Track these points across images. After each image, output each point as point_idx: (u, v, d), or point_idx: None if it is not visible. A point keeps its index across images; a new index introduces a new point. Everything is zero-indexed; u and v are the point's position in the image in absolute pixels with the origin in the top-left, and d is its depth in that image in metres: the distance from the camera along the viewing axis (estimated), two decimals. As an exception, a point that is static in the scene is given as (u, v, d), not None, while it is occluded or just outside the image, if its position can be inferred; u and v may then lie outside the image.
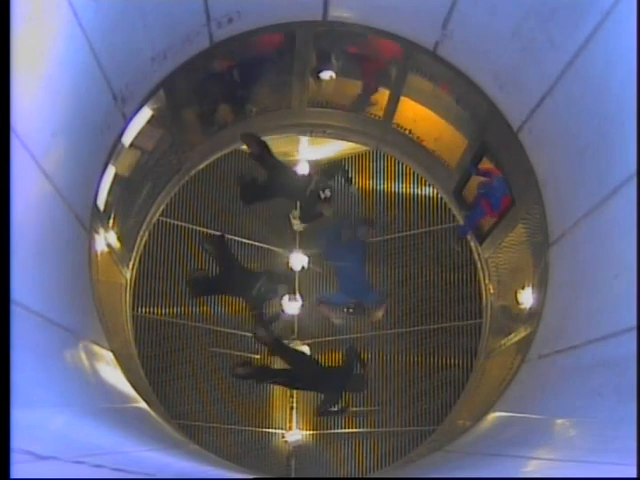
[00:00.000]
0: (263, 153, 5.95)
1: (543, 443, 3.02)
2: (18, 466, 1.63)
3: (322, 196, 5.93)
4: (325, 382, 5.96)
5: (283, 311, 6.54)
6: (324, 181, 6.03)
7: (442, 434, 6.01)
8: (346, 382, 5.93)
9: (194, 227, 6.91)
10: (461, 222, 6.56)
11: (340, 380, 5.94)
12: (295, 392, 7.09)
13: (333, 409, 6.09)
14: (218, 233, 6.35)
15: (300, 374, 5.93)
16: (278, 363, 6.37)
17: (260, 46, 5.49)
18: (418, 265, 7.06)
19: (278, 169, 6.07)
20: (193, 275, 6.38)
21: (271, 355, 6.21)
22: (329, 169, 6.54)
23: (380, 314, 6.65)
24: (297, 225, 7.14)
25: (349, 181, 6.22)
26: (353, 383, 5.98)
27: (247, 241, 7.19)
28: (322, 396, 6.03)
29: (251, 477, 4.53)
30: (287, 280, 6.26)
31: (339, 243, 6.35)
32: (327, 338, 7.14)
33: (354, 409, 6.88)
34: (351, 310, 6.14)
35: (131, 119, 4.35)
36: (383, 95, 6.11)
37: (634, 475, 1.78)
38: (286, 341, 6.36)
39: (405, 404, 6.84)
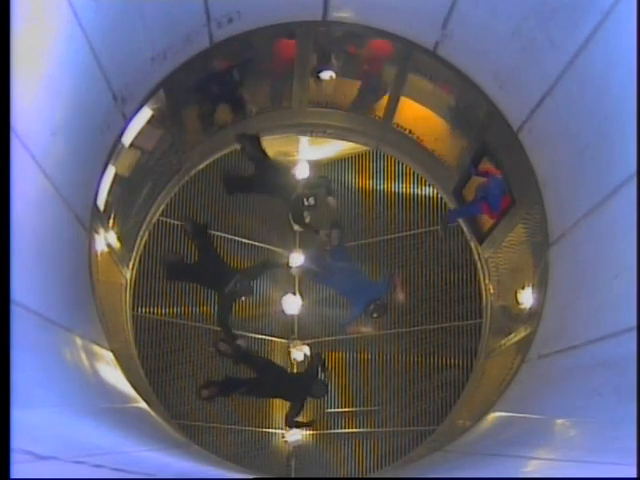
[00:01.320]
0: (256, 151, 5.94)
1: (543, 443, 3.02)
2: (18, 466, 1.63)
3: (305, 203, 5.91)
4: (290, 387, 5.97)
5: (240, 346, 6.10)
6: (310, 189, 5.97)
7: (442, 434, 6.01)
8: (309, 388, 5.92)
9: (194, 227, 6.89)
10: (461, 223, 6.55)
11: (304, 386, 5.95)
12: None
13: (300, 420, 6.13)
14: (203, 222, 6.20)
15: (266, 380, 5.89)
16: (243, 372, 6.28)
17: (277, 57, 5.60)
18: (418, 265, 7.05)
19: (268, 166, 6.03)
20: (168, 258, 6.23)
21: (236, 364, 6.10)
22: (314, 181, 6.46)
23: (401, 294, 6.58)
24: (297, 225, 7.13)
25: (332, 193, 6.20)
26: (316, 389, 5.96)
27: (247, 241, 7.19)
28: (288, 405, 6.00)
29: (251, 477, 4.53)
30: (278, 274, 6.20)
31: (322, 261, 6.25)
32: (327, 338, 7.14)
33: (352, 409, 6.89)
34: (375, 315, 6.08)
35: (131, 119, 4.35)
36: (383, 95, 6.11)
37: (634, 475, 1.78)
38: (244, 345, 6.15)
39: (405, 404, 6.83)
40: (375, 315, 6.02)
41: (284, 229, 7.30)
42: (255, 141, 5.94)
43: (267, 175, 6.00)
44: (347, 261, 6.21)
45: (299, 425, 6.33)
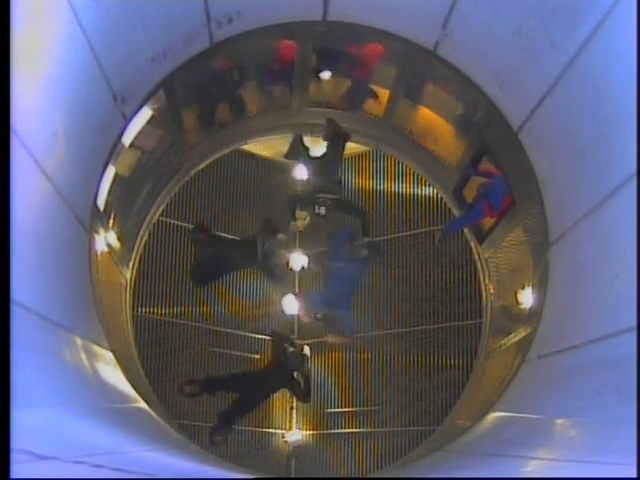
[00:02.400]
0: (205, 236, 5.94)
1: (543, 443, 3.02)
2: (18, 466, 1.63)
3: (271, 250, 5.82)
4: (271, 376, 5.91)
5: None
6: (269, 237, 5.81)
7: (442, 434, 6.01)
8: (286, 365, 5.89)
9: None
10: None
11: (281, 367, 5.91)
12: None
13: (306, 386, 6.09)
14: (192, 225, 6.25)
15: (248, 375, 5.92)
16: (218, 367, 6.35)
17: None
18: (418, 265, 7.05)
19: (222, 246, 6.00)
20: (193, 270, 6.21)
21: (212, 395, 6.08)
22: (264, 226, 6.39)
23: (338, 339, 6.46)
24: (297, 225, 7.13)
25: (293, 218, 6.24)
26: (291, 362, 5.92)
27: (247, 241, 7.18)
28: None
29: (251, 477, 4.53)
30: (282, 227, 6.15)
31: (344, 251, 6.22)
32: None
33: (352, 409, 6.88)
34: (319, 316, 6.06)
35: (131, 119, 4.35)
36: (383, 95, 6.11)
37: (634, 475, 1.78)
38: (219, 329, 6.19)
39: (405, 404, 6.83)
40: (319, 317, 5.99)
41: (284, 229, 7.28)
42: (201, 227, 6.00)
43: (227, 253, 5.91)
44: (359, 273, 6.15)
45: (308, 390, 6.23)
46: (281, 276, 6.37)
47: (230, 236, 6.91)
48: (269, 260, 5.81)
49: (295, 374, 5.96)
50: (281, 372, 5.90)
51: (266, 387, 5.90)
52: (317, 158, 6.17)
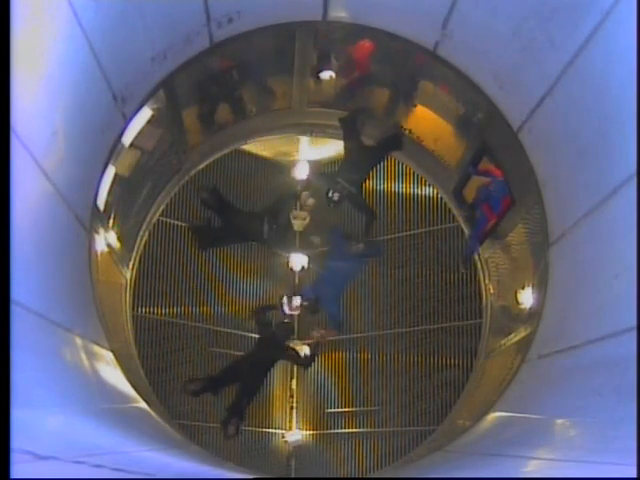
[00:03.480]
0: (218, 202, 5.94)
1: (543, 443, 3.02)
2: (18, 466, 1.63)
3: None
4: (266, 354, 5.92)
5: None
6: (275, 218, 5.87)
7: (442, 434, 6.01)
8: (276, 333, 5.93)
9: (194, 227, 6.86)
10: (461, 223, 6.55)
11: (273, 340, 5.93)
12: (295, 392, 7.10)
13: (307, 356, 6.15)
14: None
15: (243, 366, 5.88)
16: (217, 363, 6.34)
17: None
18: (418, 265, 7.05)
19: (233, 214, 6.01)
20: (195, 226, 6.17)
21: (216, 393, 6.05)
22: (277, 205, 6.27)
23: (322, 334, 6.46)
24: (297, 225, 7.14)
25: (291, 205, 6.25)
26: (280, 330, 5.97)
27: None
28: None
29: (251, 477, 4.53)
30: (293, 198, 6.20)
31: (340, 249, 6.21)
32: (327, 338, 7.12)
33: (352, 409, 6.88)
34: (305, 303, 6.02)
35: (131, 119, 4.35)
36: (383, 95, 6.11)
37: (634, 475, 1.78)
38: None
39: (405, 404, 6.83)
40: (305, 304, 5.96)
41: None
42: (216, 193, 5.96)
43: (235, 222, 5.95)
44: (354, 271, 6.15)
45: (311, 360, 6.27)
46: (290, 245, 6.39)
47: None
48: (280, 231, 5.84)
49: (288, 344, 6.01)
50: (272, 345, 5.92)
51: (263, 365, 5.91)
52: (366, 147, 6.03)
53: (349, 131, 5.92)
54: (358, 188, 6.12)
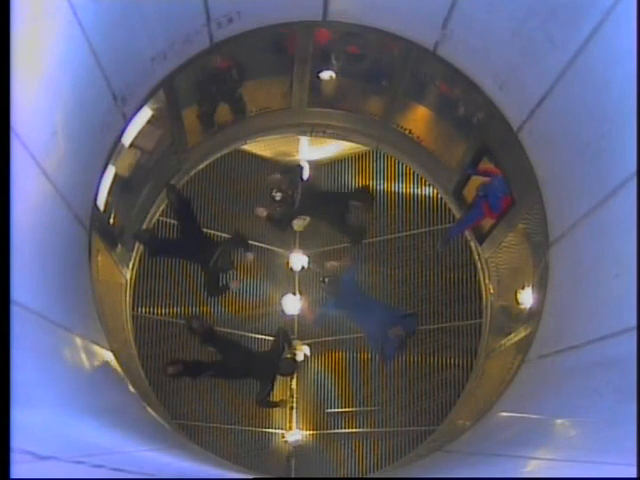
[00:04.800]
0: (183, 209, 5.80)
1: (543, 443, 3.02)
2: (18, 466, 1.63)
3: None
4: (258, 367, 5.94)
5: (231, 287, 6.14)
6: (226, 257, 5.68)
7: (442, 434, 6.01)
8: (277, 366, 5.91)
9: (194, 227, 6.85)
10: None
11: (271, 364, 5.93)
12: (295, 392, 7.09)
13: (271, 399, 6.10)
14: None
15: (232, 362, 5.87)
16: (208, 356, 6.28)
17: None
18: (418, 265, 7.04)
19: (192, 230, 5.84)
20: (140, 235, 5.94)
21: (202, 344, 6.07)
22: (230, 241, 6.11)
23: (334, 266, 6.34)
24: (297, 225, 7.13)
25: (246, 247, 6.09)
26: (283, 366, 5.97)
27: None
28: (258, 385, 6.00)
29: (251, 477, 4.54)
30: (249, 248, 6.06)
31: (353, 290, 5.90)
32: (327, 338, 7.13)
33: (352, 410, 6.87)
34: (326, 280, 5.86)
35: (131, 119, 4.36)
36: (383, 95, 6.11)
37: (634, 475, 1.78)
38: (218, 329, 6.25)
39: (405, 404, 6.83)
40: (325, 282, 5.87)
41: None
42: (186, 201, 5.84)
43: (190, 240, 5.79)
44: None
45: (270, 404, 6.31)
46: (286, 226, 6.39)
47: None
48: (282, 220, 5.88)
49: (277, 376, 5.99)
50: (268, 365, 5.93)
51: (248, 369, 5.93)
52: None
53: None
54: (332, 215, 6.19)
